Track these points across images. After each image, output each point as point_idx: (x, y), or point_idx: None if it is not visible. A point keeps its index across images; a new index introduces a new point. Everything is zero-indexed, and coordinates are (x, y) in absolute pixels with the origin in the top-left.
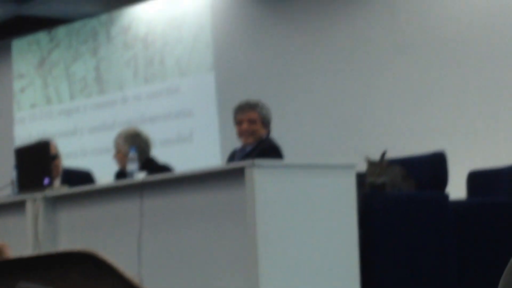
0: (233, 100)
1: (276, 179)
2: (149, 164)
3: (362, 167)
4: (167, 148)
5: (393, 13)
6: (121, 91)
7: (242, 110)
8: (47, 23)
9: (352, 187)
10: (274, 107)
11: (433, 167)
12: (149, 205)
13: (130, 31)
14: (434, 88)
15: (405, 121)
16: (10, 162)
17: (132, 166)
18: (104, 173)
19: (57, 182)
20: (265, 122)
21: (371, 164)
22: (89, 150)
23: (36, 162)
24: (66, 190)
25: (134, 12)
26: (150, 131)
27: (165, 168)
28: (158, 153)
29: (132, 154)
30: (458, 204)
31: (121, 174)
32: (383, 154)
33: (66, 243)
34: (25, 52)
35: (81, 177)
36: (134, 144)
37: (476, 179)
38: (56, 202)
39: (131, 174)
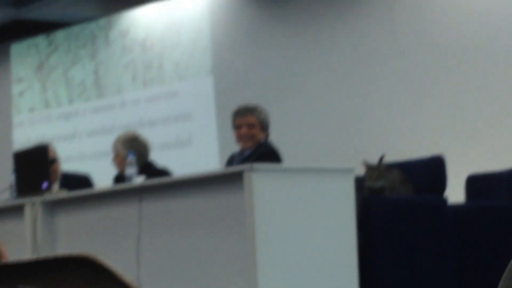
0: (232, 104)
1: (274, 183)
2: (148, 168)
3: (361, 171)
4: (165, 152)
5: (392, 17)
6: (119, 95)
7: (240, 114)
8: (46, 27)
9: (350, 191)
10: (273, 111)
11: (432, 171)
12: (147, 209)
13: (129, 35)
14: (433, 91)
15: (403, 124)
16: (8, 166)
17: (130, 170)
18: (103, 177)
19: (55, 186)
20: (264, 126)
21: (369, 168)
22: (87, 154)
23: (34, 166)
24: (64, 194)
25: (132, 16)
26: (148, 135)
27: (163, 172)
28: (157, 157)
29: (131, 158)
30: (456, 208)
31: (120, 178)
32: (381, 158)
33: (64, 247)
34: (23, 56)
35: (80, 181)
36: (133, 148)
37: (475, 183)
38: (54, 206)
39: (129, 178)
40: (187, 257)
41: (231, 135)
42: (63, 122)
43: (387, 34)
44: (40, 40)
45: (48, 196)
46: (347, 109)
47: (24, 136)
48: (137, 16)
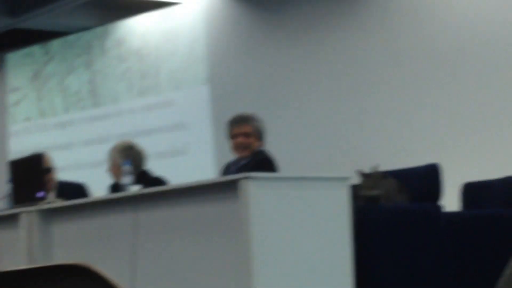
0: (228, 113)
1: (270, 192)
2: (144, 177)
3: (357, 179)
4: (161, 161)
5: (387, 26)
6: (115, 104)
7: (236, 123)
8: (42, 36)
9: (346, 199)
10: (269, 120)
11: (427, 179)
12: (143, 218)
13: (125, 44)
14: (428, 100)
15: (399, 133)
16: (4, 175)
17: (126, 179)
18: (99, 186)
19: (51, 195)
20: (259, 135)
21: (365, 176)
22: (83, 163)
23: (30, 175)
24: (60, 203)
25: (128, 25)
26: (144, 144)
27: (159, 181)
28: (153, 166)
29: (127, 167)
30: (452, 216)
31: (116, 187)
32: (375, 168)
33: (60, 256)
34: (19, 65)
35: (76, 190)
36: (129, 157)
37: (470, 191)
38: (50, 215)
39: (125, 187)
40: (183, 266)
41: (227, 144)
42: (59, 131)
43: (382, 43)
44: (36, 49)
45: (43, 205)
46: (343, 117)
47: (20, 145)
48: (133, 25)
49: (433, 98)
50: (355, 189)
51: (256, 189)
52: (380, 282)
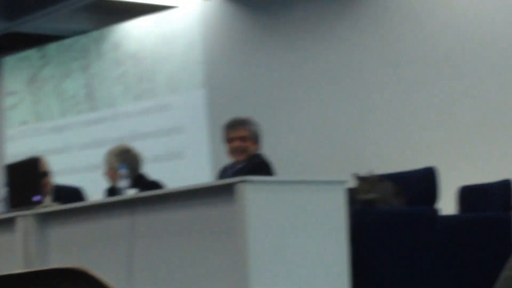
0: (224, 116)
1: (266, 195)
2: (140, 181)
3: (353, 183)
4: (158, 165)
5: (384, 29)
6: (112, 107)
7: (232, 127)
8: (38, 40)
9: (342, 203)
10: (265, 124)
11: (424, 182)
12: (140, 221)
13: (121, 48)
14: (425, 103)
15: (396, 136)
16: (0, 179)
17: (123, 183)
18: (95, 190)
19: (47, 199)
20: (256, 139)
21: (361, 180)
22: (80, 167)
23: (26, 179)
24: (56, 207)
25: (124, 29)
26: (141, 147)
27: (156, 185)
28: (149, 170)
29: (123, 170)
30: (448, 219)
31: (112, 190)
32: (371, 171)
33: (56, 260)
34: (15, 69)
35: (72, 194)
36: (125, 161)
37: (467, 195)
38: (46, 219)
39: (122, 191)
40: (179, 270)
41: (223, 148)
42: (55, 135)
43: (380, 47)
44: (32, 53)
45: (40, 209)
46: (340, 121)
47: (16, 149)
48: (129, 29)
49: (430, 101)
50: (352, 192)
51: (252, 192)
52: (377, 286)
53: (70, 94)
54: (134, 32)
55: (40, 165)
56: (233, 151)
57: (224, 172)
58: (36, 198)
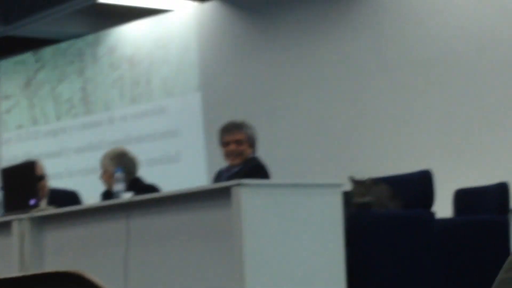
0: (220, 120)
1: (262, 198)
2: (136, 184)
3: (349, 186)
4: (153, 168)
5: (378, 33)
6: (107, 111)
7: (228, 131)
8: (33, 44)
9: (338, 206)
10: (261, 127)
11: (420, 185)
12: (135, 225)
13: (116, 52)
14: (420, 106)
15: (391, 140)
16: None
17: (118, 186)
18: (91, 193)
19: (43, 203)
20: (251, 142)
21: (356, 183)
22: (75, 171)
23: (22, 182)
24: (52, 210)
25: (120, 33)
26: (136, 151)
27: (151, 188)
28: (145, 173)
29: (119, 174)
30: (444, 222)
31: (108, 194)
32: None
33: (52, 264)
34: (11, 73)
35: (68, 197)
36: (121, 164)
37: (462, 198)
38: (42, 222)
39: (117, 194)
40: (175, 273)
41: (219, 151)
42: (51, 138)
43: (374, 51)
44: (28, 57)
45: (35, 213)
46: (335, 124)
47: (12, 153)
48: (124, 33)
49: (426, 104)
50: (347, 196)
51: (248, 196)
52: (372, 287)
53: (66, 97)
54: (129, 35)
55: (36, 169)
56: (229, 155)
57: (220, 176)
58: (32, 201)
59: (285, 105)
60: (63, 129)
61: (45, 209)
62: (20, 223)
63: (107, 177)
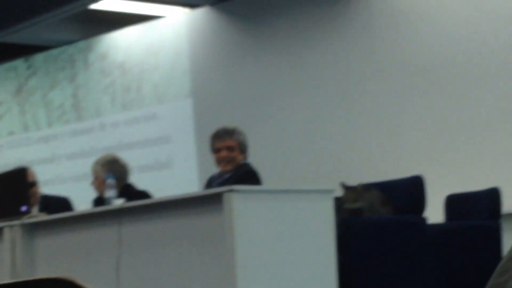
0: (211, 126)
1: (254, 204)
2: (127, 191)
3: (341, 192)
4: (145, 175)
5: (371, 38)
6: (98, 117)
7: (219, 137)
8: (25, 50)
9: (330, 212)
10: (252, 133)
11: (411, 191)
12: (127, 231)
13: (108, 58)
14: (412, 112)
15: (383, 145)
16: None
17: (110, 193)
18: (82, 200)
19: (35, 209)
20: (243, 148)
21: (348, 189)
22: (67, 177)
23: (13, 189)
24: (44, 217)
25: (111, 39)
26: (128, 157)
27: (143, 195)
28: (136, 180)
29: (110, 180)
30: (436, 228)
31: (99, 200)
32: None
33: (44, 270)
34: (2, 79)
35: (59, 204)
36: (112, 171)
37: (454, 203)
38: (34, 229)
39: (109, 201)
40: (167, 279)
41: (210, 157)
42: (42, 145)
43: (365, 57)
44: (19, 64)
45: (27, 219)
46: (327, 130)
47: (3, 160)
48: (116, 39)
49: (417, 110)
50: (339, 202)
51: (240, 202)
52: None
53: (57, 104)
54: (121, 42)
55: (27, 175)
56: (221, 161)
57: (212, 182)
58: (23, 208)
59: (276, 111)
60: (54, 136)
61: (36, 215)
62: (11, 229)
63: (99, 183)
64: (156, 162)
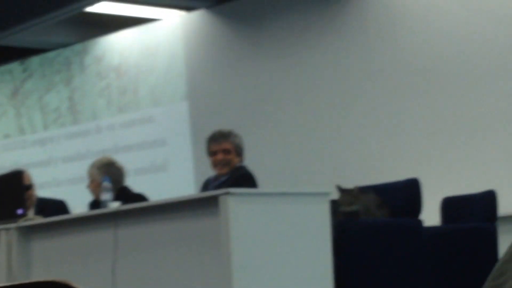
0: (207, 129)
1: (250, 207)
2: (123, 194)
3: (337, 195)
4: (141, 178)
5: (367, 41)
6: (94, 120)
7: (215, 140)
8: (20, 53)
9: (326, 215)
10: (248, 136)
11: (407, 194)
12: (123, 234)
13: (104, 61)
14: (408, 115)
15: (379, 148)
16: None
17: (106, 196)
18: (78, 202)
19: (31, 212)
20: (239, 151)
21: (344, 192)
22: (63, 180)
23: (9, 192)
24: (40, 220)
25: (107, 42)
26: (124, 160)
27: (139, 197)
28: (132, 183)
29: (106, 183)
30: (432, 230)
31: (95, 203)
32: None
33: (40, 273)
34: None
35: (55, 207)
36: (108, 174)
37: (450, 206)
38: (30, 232)
39: (105, 204)
40: (163, 282)
41: (206, 160)
42: (38, 148)
43: (362, 59)
44: (15, 66)
45: (23, 222)
46: (323, 133)
47: None
48: (112, 42)
49: (413, 112)
50: (335, 204)
51: (236, 204)
52: None
53: (53, 107)
54: (116, 45)
55: (23, 178)
56: (217, 164)
57: (208, 185)
58: (19, 211)
59: (272, 114)
60: (50, 139)
61: (32, 218)
62: (7, 232)
63: (95, 186)
64: (152, 165)
